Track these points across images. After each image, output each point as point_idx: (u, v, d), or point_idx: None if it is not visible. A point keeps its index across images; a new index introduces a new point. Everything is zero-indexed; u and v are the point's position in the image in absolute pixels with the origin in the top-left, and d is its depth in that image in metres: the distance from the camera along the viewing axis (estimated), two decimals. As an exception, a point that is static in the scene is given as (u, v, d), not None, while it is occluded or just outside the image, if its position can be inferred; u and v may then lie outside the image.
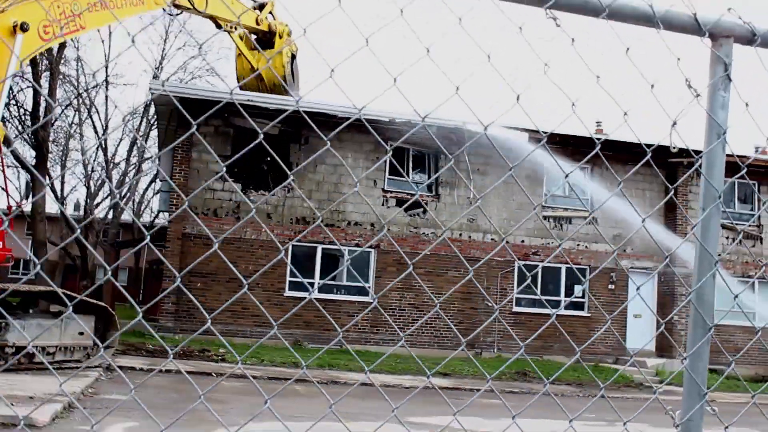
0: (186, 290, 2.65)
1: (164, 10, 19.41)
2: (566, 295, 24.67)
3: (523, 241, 24.07)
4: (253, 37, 22.80)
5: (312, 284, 21.94)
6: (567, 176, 2.77)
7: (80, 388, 11.63)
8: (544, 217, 24.52)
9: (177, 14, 20.83)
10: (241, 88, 21.71)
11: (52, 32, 14.05)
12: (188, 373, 15.47)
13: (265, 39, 22.64)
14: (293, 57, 22.38)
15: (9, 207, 15.18)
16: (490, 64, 2.41)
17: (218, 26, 22.10)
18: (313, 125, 2.50)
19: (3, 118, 15.53)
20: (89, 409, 10.96)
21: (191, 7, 19.04)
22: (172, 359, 3.60)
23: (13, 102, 27.18)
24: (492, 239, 23.74)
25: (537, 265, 24.07)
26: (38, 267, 2.66)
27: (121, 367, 15.23)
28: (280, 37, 23.66)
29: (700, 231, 2.33)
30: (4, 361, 13.16)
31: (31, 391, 10.91)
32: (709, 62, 2.47)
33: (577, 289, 25.07)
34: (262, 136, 2.14)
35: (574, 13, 2.21)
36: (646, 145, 2.57)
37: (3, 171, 13.54)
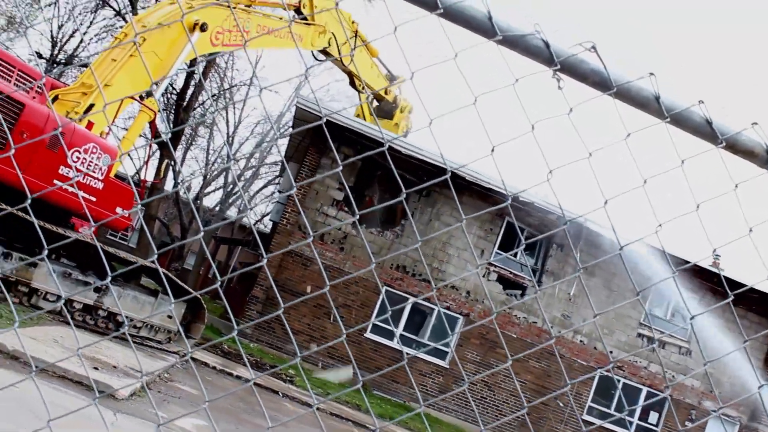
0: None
1: (312, 54, 20.19)
2: (640, 419, 23.82)
3: (611, 352, 23.41)
4: (376, 103, 23.82)
5: (394, 333, 21.87)
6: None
7: (157, 371, 11.85)
8: (638, 335, 23.82)
9: (322, 61, 21.66)
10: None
11: (220, 41, 14.87)
12: (257, 385, 15.59)
13: (387, 109, 23.66)
14: (406, 133, 23.67)
15: (143, 181, 15.72)
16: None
17: (352, 83, 23.04)
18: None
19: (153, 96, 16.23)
20: (162, 394, 11.16)
21: (338, 58, 20.08)
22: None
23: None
24: (581, 341, 23.20)
25: (619, 380, 23.37)
26: (218, 285, 2.72)
27: (195, 360, 15.50)
28: (401, 111, 24.81)
29: None
30: (95, 323, 13.58)
31: (114, 360, 11.17)
32: None
33: (652, 416, 24.18)
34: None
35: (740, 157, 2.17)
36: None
37: (150, 145, 14.20)
